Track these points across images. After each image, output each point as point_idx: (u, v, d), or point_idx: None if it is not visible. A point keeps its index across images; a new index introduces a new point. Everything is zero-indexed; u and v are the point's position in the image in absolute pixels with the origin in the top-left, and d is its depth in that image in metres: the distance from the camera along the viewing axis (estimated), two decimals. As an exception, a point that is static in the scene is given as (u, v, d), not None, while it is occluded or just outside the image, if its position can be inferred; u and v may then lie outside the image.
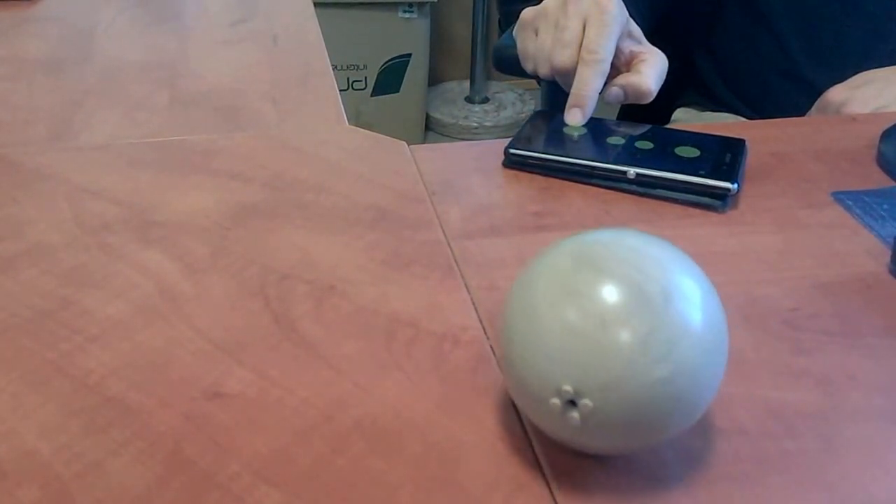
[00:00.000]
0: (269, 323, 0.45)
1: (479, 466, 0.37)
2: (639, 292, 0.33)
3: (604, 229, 0.37)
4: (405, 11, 2.26)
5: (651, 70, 0.65)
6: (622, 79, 0.66)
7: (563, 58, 0.65)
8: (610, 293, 0.33)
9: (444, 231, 0.54)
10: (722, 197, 0.56)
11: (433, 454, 0.37)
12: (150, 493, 0.35)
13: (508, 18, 1.07)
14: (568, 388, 0.33)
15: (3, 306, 0.47)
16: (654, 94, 0.65)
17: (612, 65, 0.65)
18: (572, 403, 0.33)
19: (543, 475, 0.37)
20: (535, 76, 0.71)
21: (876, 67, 0.79)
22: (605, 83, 0.65)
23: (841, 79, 0.78)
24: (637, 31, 0.68)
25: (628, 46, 0.67)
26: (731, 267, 0.50)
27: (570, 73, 0.64)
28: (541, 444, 0.38)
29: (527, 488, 0.36)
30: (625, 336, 0.32)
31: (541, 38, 0.67)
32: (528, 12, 0.70)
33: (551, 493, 0.36)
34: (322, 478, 0.36)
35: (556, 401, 0.33)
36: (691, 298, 0.34)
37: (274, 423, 0.39)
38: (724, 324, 0.35)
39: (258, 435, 0.38)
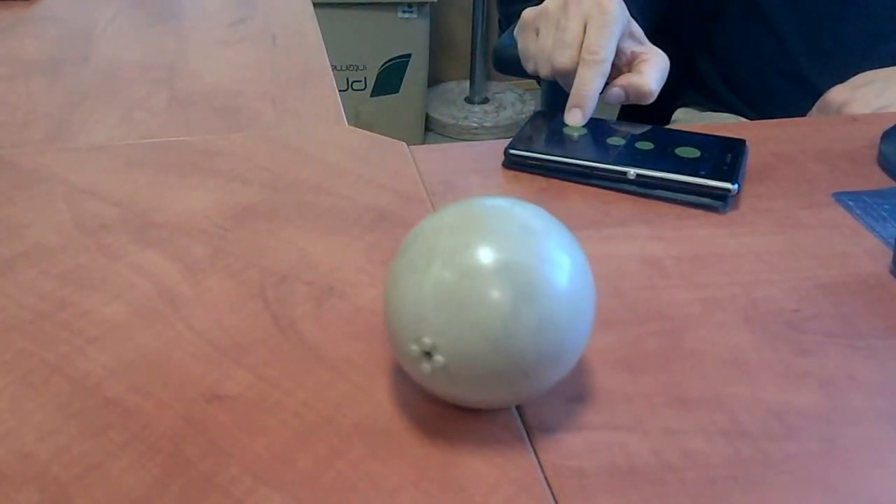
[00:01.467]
0: (268, 324, 0.45)
1: (480, 469, 0.37)
2: (455, 237, 0.35)
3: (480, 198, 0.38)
4: (405, 11, 2.26)
5: (652, 70, 0.65)
6: (623, 79, 0.66)
7: (564, 58, 0.64)
8: (435, 241, 0.36)
9: (444, 232, 0.53)
10: (722, 198, 0.56)
11: (434, 456, 0.37)
12: (149, 496, 0.35)
13: (509, 18, 1.07)
14: (418, 345, 0.35)
15: (2, 307, 0.46)
16: (656, 94, 0.65)
17: (614, 65, 0.65)
18: (428, 355, 0.35)
19: (545, 478, 0.36)
20: (535, 76, 0.71)
21: (876, 68, 0.79)
22: (606, 83, 0.65)
23: (842, 79, 0.78)
24: (638, 31, 0.68)
25: (629, 47, 0.67)
26: (731, 268, 0.50)
27: (570, 74, 0.64)
28: (542, 447, 0.38)
29: (528, 491, 0.36)
30: (435, 271, 0.35)
31: (541, 38, 0.67)
32: (528, 12, 0.69)
33: (553, 495, 0.36)
34: (322, 480, 0.36)
35: (418, 356, 0.35)
36: (532, 241, 0.35)
37: (273, 426, 0.39)
38: (588, 280, 0.37)
39: (258, 437, 0.38)
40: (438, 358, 0.35)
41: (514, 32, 0.73)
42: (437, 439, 0.38)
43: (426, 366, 0.35)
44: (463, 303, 0.34)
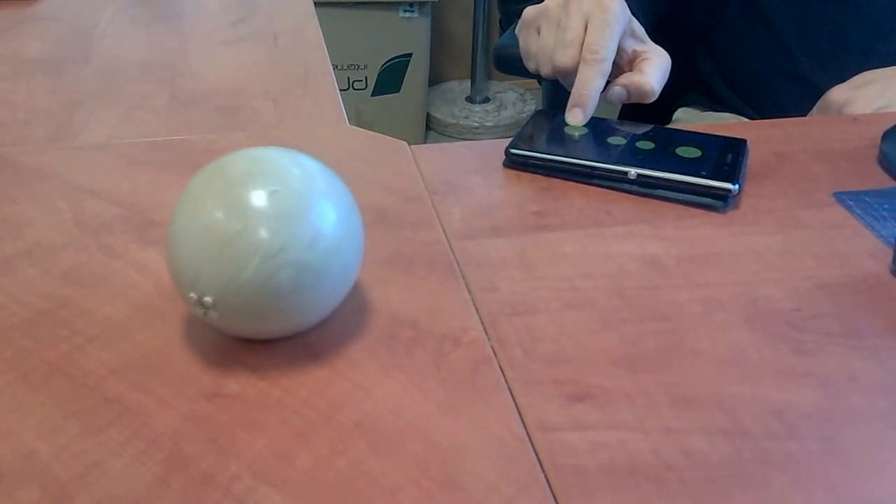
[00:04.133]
0: (269, 323, 0.45)
1: (480, 468, 0.37)
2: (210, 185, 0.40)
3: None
4: (406, 11, 2.26)
5: (654, 69, 0.65)
6: (625, 78, 0.65)
7: (565, 57, 0.64)
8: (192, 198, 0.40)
9: (444, 231, 0.54)
10: (723, 197, 0.56)
11: (434, 455, 0.37)
12: (149, 494, 0.35)
13: (510, 17, 1.07)
14: (193, 294, 0.39)
15: (2, 306, 0.46)
16: (657, 93, 0.65)
17: (615, 64, 0.65)
18: (201, 303, 0.39)
19: (546, 477, 0.36)
20: (536, 76, 0.71)
21: (877, 67, 0.79)
22: (608, 82, 0.65)
23: (842, 79, 0.78)
24: (640, 29, 0.68)
25: (631, 45, 0.67)
26: (732, 268, 0.50)
27: (571, 73, 0.64)
28: (543, 446, 0.38)
29: (529, 490, 0.36)
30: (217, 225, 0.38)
31: (543, 37, 0.67)
32: (529, 11, 0.69)
33: (553, 494, 0.36)
34: (322, 479, 0.36)
35: (196, 309, 0.40)
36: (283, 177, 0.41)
37: (274, 424, 0.39)
38: (356, 224, 0.42)
39: (258, 435, 0.38)
40: (211, 314, 0.40)
41: (516, 31, 0.73)
42: (438, 438, 0.38)
43: (196, 309, 0.40)
44: (229, 244, 0.38)
